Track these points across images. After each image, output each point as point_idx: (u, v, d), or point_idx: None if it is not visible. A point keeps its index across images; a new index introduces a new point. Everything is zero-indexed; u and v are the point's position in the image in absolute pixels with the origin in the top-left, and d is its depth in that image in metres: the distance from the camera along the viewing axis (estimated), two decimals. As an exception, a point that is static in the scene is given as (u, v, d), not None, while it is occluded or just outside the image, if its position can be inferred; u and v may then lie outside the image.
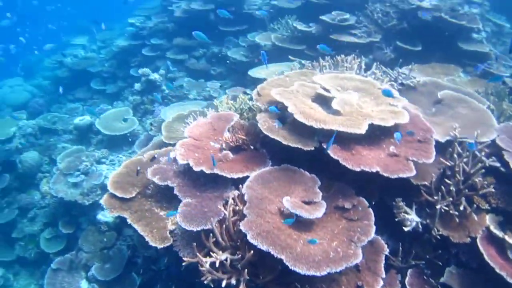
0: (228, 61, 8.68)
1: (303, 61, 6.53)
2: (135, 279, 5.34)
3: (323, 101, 4.01)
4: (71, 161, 7.23)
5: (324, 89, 4.10)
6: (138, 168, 4.14)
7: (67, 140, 8.56)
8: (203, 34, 4.34)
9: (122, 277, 5.46)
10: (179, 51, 9.46)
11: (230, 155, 3.78)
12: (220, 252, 3.04)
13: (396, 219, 3.42)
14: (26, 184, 7.89)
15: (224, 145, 3.95)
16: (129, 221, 3.62)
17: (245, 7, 9.44)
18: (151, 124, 7.39)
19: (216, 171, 3.47)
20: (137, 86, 8.28)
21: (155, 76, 8.11)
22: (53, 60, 11.32)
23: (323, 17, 7.38)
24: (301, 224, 3.09)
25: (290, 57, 7.05)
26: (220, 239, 3.09)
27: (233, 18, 9.23)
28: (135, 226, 3.55)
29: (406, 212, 3.43)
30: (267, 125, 3.65)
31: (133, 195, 3.91)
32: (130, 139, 7.66)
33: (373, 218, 3.17)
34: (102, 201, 3.95)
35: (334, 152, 3.36)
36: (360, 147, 3.53)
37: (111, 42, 11.70)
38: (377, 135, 3.69)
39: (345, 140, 3.50)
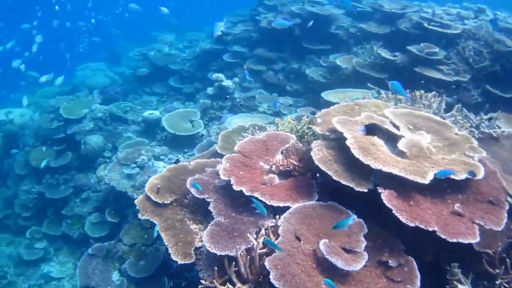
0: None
1: (381, 91, 6.15)
2: (165, 282, 5.22)
3: (389, 138, 3.64)
4: (130, 152, 7.31)
5: (394, 125, 3.73)
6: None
7: (134, 131, 8.70)
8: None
9: (153, 277, 5.36)
10: (258, 61, 9.37)
11: (277, 180, 3.51)
12: (240, 284, 2.78)
13: (447, 287, 2.97)
14: (86, 165, 8.11)
15: (274, 167, 3.69)
16: (157, 227, 3.46)
17: (332, 27, 9.19)
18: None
19: (256, 195, 3.21)
20: (209, 90, 8.26)
21: (228, 82, 8.04)
22: (138, 52, 11.68)
23: (410, 48, 6.95)
24: (334, 273, 2.74)
25: (369, 84, 6.68)
26: (242, 270, 2.83)
27: (317, 37, 9.10)
28: (162, 234, 3.38)
29: (459, 281, 2.97)
30: (320, 155, 3.35)
31: (168, 201, 3.75)
32: (192, 141, 7.62)
33: (418, 284, 2.75)
34: (136, 201, 3.83)
35: (389, 199, 2.99)
36: (421, 197, 3.12)
37: (196, 43, 11.93)
38: (443, 187, 3.25)
39: (406, 186, 3.11)
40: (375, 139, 3.52)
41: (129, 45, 14.66)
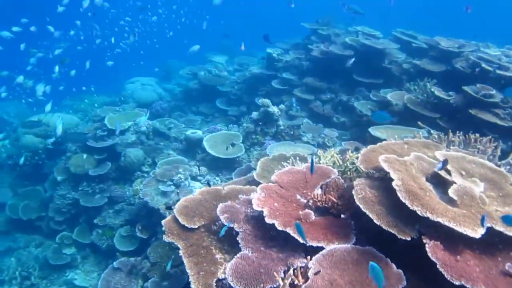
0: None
1: (432, 131, 5.87)
2: (185, 307, 5.04)
3: (439, 183, 3.37)
4: (168, 169, 7.26)
5: (445, 169, 3.46)
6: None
7: (175, 149, 8.70)
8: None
9: (175, 300, 5.20)
10: (307, 90, 9.25)
11: (312, 216, 3.29)
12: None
13: None
14: (123, 177, 8.15)
15: (311, 202, 3.48)
16: (180, 252, 3.30)
17: (385, 61, 8.98)
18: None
19: (288, 230, 3.00)
20: (254, 114, 8.16)
21: (273, 109, 7.92)
22: (189, 70, 11.82)
23: (466, 88, 6.66)
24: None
25: (419, 123, 6.40)
26: (264, 311, 2.62)
27: (369, 70, 8.90)
28: (185, 260, 3.20)
29: None
30: (363, 195, 3.11)
31: (196, 226, 3.58)
32: (232, 165, 7.51)
33: None
34: (163, 222, 3.70)
35: (434, 251, 2.71)
36: (468, 252, 2.82)
37: (247, 67, 11.97)
38: (494, 242, 2.94)
39: (454, 238, 2.83)
40: (425, 183, 3.26)
41: (181, 63, 14.90)
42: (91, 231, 7.64)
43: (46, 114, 9.54)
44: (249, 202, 3.46)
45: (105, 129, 8.60)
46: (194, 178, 7.28)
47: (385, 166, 3.22)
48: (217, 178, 7.38)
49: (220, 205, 3.54)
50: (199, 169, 7.39)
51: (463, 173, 3.54)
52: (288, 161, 4.83)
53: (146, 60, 17.84)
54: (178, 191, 6.81)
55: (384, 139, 4.55)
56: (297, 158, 4.84)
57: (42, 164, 9.34)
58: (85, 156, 8.22)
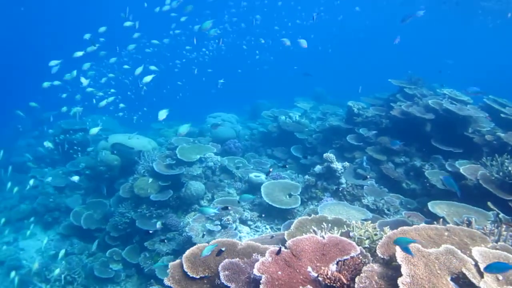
0: None
1: (501, 215, 5.38)
2: None
3: (466, 285, 3.05)
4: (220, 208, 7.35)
5: (478, 270, 3.12)
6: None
7: (237, 189, 8.81)
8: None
9: None
10: (380, 150, 8.94)
11: (315, 293, 3.13)
12: None
13: None
14: (182, 207, 8.38)
15: (320, 278, 3.32)
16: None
17: (469, 129, 8.42)
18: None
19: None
20: (317, 168, 8.03)
21: (337, 165, 7.74)
22: (271, 113, 12.02)
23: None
24: None
25: (489, 204, 5.88)
26: None
27: (450, 137, 8.40)
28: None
29: None
30: (365, 284, 2.91)
31: (198, 276, 3.56)
32: (285, 215, 7.41)
33: None
34: (170, 264, 3.73)
35: None
36: None
37: (330, 116, 11.89)
38: None
39: None
40: (448, 283, 2.95)
41: (271, 104, 15.21)
42: (140, 252, 7.91)
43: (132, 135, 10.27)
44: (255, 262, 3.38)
45: (175, 158, 8.95)
46: (243, 222, 7.30)
47: (399, 257, 2.99)
48: (267, 227, 7.33)
49: (225, 261, 3.50)
50: (250, 214, 7.40)
51: (500, 278, 3.17)
52: (323, 225, 4.66)
53: (239, 96, 18.49)
54: (224, 232, 6.85)
55: (443, 217, 4.20)
56: (333, 224, 4.64)
57: (113, 179, 9.93)
58: (150, 180, 8.59)
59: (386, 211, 7.24)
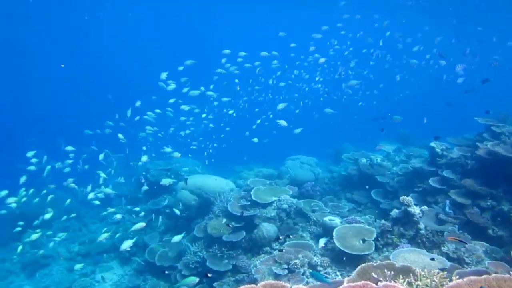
0: None
1: None
2: None
3: None
4: (289, 251, 7.32)
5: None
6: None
7: (311, 232, 8.72)
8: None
9: None
10: (465, 193, 8.42)
11: None
12: None
13: None
14: (253, 249, 8.44)
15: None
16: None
17: None
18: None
19: None
20: (393, 212, 7.74)
21: (415, 209, 7.39)
22: (351, 155, 11.87)
23: None
24: None
25: None
26: None
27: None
28: None
29: None
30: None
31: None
32: (358, 262, 7.16)
33: None
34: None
35: None
36: None
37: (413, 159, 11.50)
38: None
39: None
40: None
41: (356, 147, 15.05)
42: (208, 292, 8.03)
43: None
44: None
45: (249, 199, 9.11)
46: (313, 267, 7.17)
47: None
48: (337, 273, 7.14)
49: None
50: (321, 259, 7.26)
51: None
52: (387, 272, 4.48)
53: (324, 138, 18.50)
54: (290, 276, 6.78)
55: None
56: (400, 273, 4.44)
57: (190, 219, 10.29)
58: (224, 220, 8.79)
59: (467, 260, 6.75)
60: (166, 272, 8.98)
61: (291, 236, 8.32)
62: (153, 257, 9.19)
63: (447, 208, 8.19)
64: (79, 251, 11.12)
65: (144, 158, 10.70)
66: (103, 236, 8.66)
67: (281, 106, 10.68)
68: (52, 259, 11.02)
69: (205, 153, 14.83)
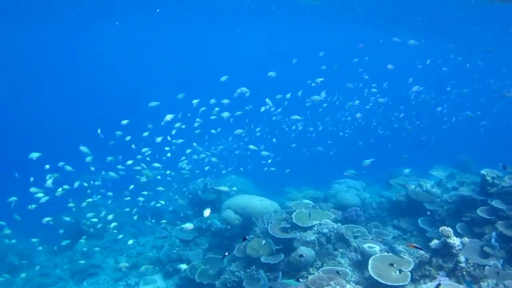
0: None
1: None
2: None
3: None
4: (322, 277, 7.40)
5: None
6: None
7: (350, 259, 8.72)
8: None
9: None
10: (512, 225, 8.14)
11: None
12: None
13: None
14: (290, 273, 8.54)
15: None
16: None
17: None
18: None
19: None
20: (432, 243, 7.59)
21: (454, 240, 7.20)
22: (400, 181, 11.73)
23: None
24: None
25: None
26: None
27: None
28: None
29: None
30: None
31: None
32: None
33: None
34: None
35: None
36: None
37: (467, 186, 11.17)
38: None
39: None
40: None
41: (407, 172, 14.79)
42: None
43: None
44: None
45: (290, 222, 9.27)
46: (345, 295, 7.20)
47: None
48: (370, 304, 7.12)
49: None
50: (353, 287, 7.28)
51: None
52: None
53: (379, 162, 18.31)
54: (321, 303, 6.85)
55: None
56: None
57: (233, 238, 10.57)
58: (263, 242, 8.98)
59: (507, 306, 6.54)
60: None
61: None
62: (194, 273, 9.52)
63: (493, 241, 7.94)
64: (126, 263, 11.69)
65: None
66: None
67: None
68: (100, 269, 11.71)
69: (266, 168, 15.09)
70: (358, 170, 10.71)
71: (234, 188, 13.57)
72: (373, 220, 11.00)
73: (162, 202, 13.40)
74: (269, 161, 15.26)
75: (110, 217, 12.60)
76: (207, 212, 7.95)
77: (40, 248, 12.62)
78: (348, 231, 9.48)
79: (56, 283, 11.35)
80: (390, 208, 11.40)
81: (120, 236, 12.27)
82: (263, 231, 9.43)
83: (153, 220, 13.57)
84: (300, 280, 7.67)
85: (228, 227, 10.72)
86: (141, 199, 12.57)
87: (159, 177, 14.29)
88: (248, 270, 8.76)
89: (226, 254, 8.24)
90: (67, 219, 12.50)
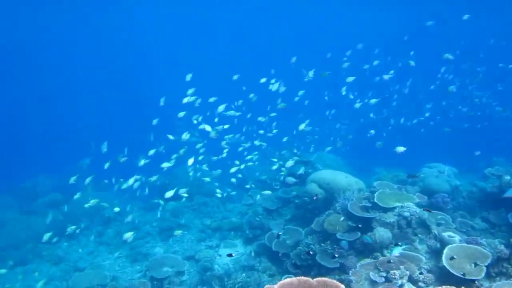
0: None
1: None
2: None
3: None
4: (394, 260, 7.45)
5: None
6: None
7: (429, 246, 8.62)
8: None
9: None
10: None
11: None
12: None
13: None
14: (364, 252, 8.68)
15: None
16: None
17: None
18: None
19: None
20: (516, 240, 7.33)
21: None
22: (495, 171, 11.19)
23: None
24: None
25: None
26: None
27: None
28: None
29: None
30: None
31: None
32: (463, 285, 7.02)
33: None
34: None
35: None
36: None
37: None
38: None
39: None
40: None
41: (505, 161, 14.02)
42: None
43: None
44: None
45: (372, 201, 9.33)
46: (414, 282, 7.22)
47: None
48: (438, 294, 7.08)
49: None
50: (424, 276, 7.27)
51: None
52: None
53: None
54: (386, 285, 6.96)
55: None
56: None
57: (315, 211, 10.87)
58: (342, 218, 9.18)
59: None
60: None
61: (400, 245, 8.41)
62: (271, 242, 9.99)
63: None
64: (210, 225, 12.54)
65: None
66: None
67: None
68: (186, 228, 12.68)
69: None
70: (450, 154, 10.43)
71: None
72: (461, 209, 10.66)
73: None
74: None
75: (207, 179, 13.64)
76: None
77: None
78: (431, 217, 9.33)
79: (144, 238, 12.54)
80: (482, 198, 10.96)
81: (210, 200, 13.03)
82: (342, 208, 9.59)
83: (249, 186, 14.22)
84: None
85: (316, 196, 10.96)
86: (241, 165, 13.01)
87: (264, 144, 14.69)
88: (322, 245, 9.04)
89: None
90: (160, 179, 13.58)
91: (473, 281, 6.98)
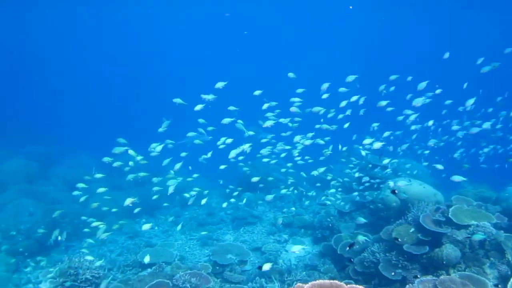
0: None
1: None
2: None
3: None
4: (454, 281, 7.38)
5: None
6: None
7: (499, 271, 8.39)
8: None
9: None
10: None
11: None
12: None
13: None
14: (429, 269, 8.60)
15: None
16: None
17: None
18: None
19: None
20: None
21: None
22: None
23: None
24: None
25: None
26: None
27: None
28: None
29: None
30: None
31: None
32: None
33: None
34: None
35: None
36: None
37: None
38: None
39: None
40: None
41: None
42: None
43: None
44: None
45: (446, 216, 9.18)
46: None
47: None
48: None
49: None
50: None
51: None
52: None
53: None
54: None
55: None
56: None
57: (388, 219, 10.89)
58: (411, 230, 9.14)
59: None
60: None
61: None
62: (337, 244, 10.16)
63: None
64: (282, 220, 12.94)
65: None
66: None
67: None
68: (259, 220, 13.21)
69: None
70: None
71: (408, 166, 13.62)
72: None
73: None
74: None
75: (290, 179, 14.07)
76: None
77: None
78: (508, 241, 9.00)
79: (217, 224, 13.26)
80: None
81: (285, 191, 13.31)
82: (414, 219, 9.52)
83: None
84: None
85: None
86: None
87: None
88: (388, 254, 9.06)
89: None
90: (245, 169, 14.16)
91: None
